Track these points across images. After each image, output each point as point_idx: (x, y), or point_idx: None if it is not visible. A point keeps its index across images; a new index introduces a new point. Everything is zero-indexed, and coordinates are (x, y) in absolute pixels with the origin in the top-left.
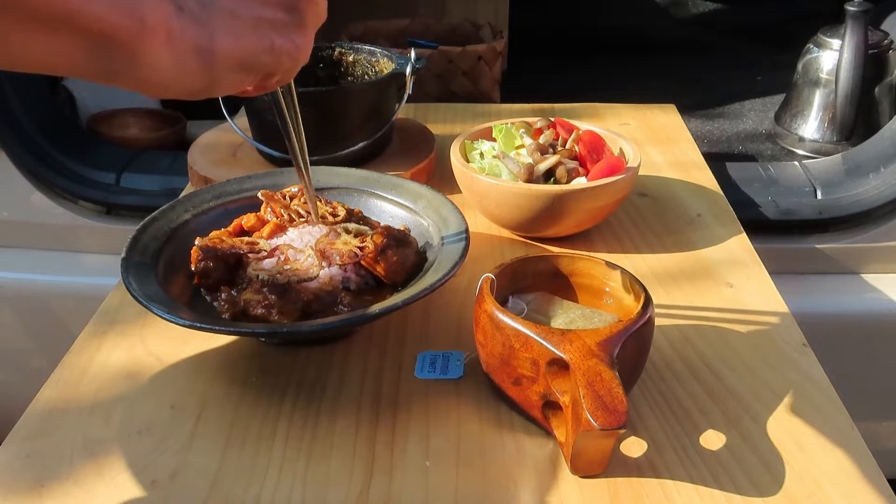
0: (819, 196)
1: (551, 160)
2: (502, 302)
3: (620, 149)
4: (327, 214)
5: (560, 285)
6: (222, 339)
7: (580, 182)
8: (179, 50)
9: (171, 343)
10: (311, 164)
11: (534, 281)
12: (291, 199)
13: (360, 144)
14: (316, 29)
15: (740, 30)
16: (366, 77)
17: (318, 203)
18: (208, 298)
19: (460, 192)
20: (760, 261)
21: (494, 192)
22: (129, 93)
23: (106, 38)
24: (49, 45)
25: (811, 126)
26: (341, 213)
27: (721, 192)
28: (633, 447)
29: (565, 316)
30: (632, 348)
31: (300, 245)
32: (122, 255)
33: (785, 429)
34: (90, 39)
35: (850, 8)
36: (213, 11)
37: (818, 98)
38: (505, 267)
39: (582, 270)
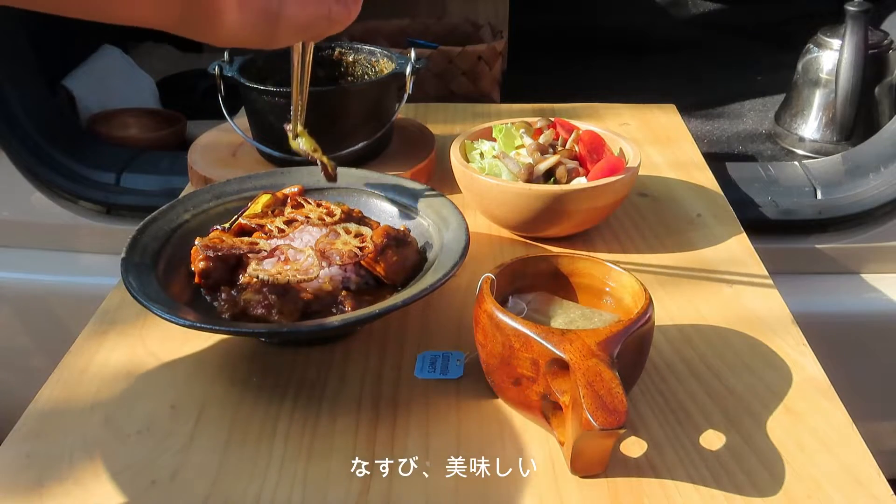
0: (819, 196)
1: (551, 160)
2: (502, 302)
3: (620, 149)
4: (322, 216)
5: (560, 285)
6: (222, 339)
7: (580, 182)
8: (248, 12)
9: (171, 343)
10: (311, 165)
11: (534, 281)
12: (276, 213)
13: (360, 144)
14: None
15: (740, 30)
16: (366, 77)
17: (311, 205)
18: (208, 298)
19: (460, 192)
20: (760, 261)
21: (494, 192)
22: (128, 93)
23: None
24: (149, 3)
25: (811, 126)
26: (337, 213)
27: (721, 192)
28: (633, 447)
29: (565, 316)
30: (632, 348)
31: (300, 245)
32: (122, 255)
33: (785, 429)
34: (182, 3)
35: (850, 8)
36: None
37: (818, 98)
38: (505, 267)
39: (582, 270)
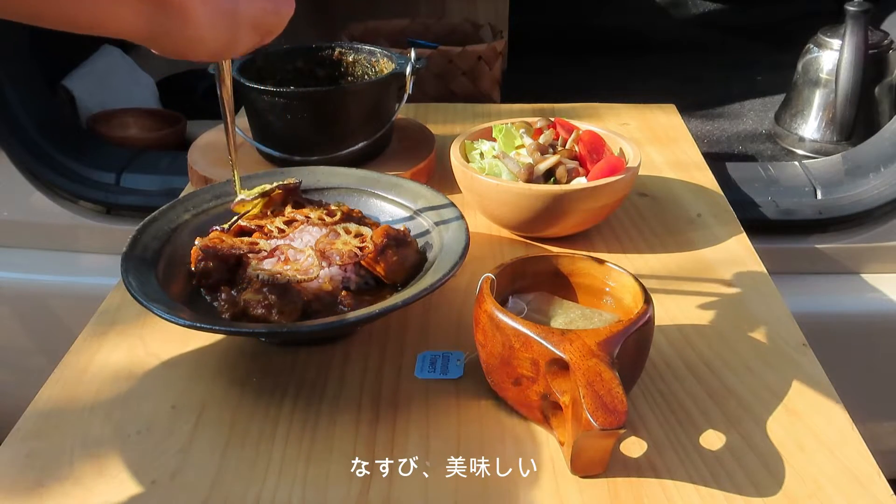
0: (819, 196)
1: (551, 160)
2: (502, 302)
3: (620, 149)
4: (322, 216)
5: (560, 285)
6: (222, 339)
7: (580, 182)
8: (211, 9)
9: (171, 343)
10: (311, 165)
11: (534, 281)
12: (275, 213)
13: (360, 144)
14: None
15: (740, 30)
16: (366, 77)
17: (312, 207)
18: (208, 298)
19: (460, 192)
20: (760, 261)
21: (494, 192)
22: (129, 93)
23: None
24: (122, 9)
25: (811, 126)
26: (337, 213)
27: (721, 192)
28: (633, 447)
29: (565, 316)
30: (632, 348)
31: (300, 245)
32: (122, 254)
33: (785, 429)
34: (151, 3)
35: (850, 8)
36: None
37: (818, 98)
38: (505, 267)
39: (582, 270)
